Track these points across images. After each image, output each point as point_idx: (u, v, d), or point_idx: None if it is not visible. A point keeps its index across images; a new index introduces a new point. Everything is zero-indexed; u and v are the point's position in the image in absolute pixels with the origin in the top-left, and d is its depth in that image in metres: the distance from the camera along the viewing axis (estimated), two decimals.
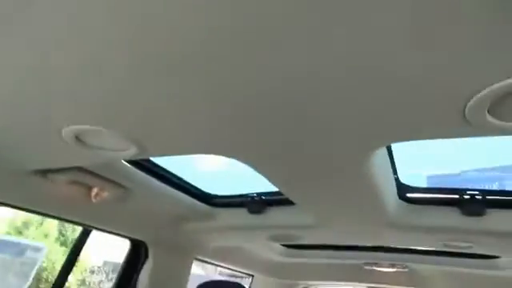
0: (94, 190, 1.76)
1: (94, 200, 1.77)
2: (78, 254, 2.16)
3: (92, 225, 2.03)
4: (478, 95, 0.75)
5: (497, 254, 2.26)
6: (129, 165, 1.68)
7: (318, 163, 1.26)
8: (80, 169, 1.56)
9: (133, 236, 2.27)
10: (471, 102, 0.77)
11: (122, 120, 1.03)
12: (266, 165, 1.32)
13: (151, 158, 1.81)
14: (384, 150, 1.38)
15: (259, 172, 1.36)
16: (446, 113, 0.84)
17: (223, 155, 1.23)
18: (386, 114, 0.89)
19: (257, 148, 1.17)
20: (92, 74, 0.83)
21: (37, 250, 9.02)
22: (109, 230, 2.11)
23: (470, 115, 0.81)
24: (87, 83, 0.87)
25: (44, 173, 1.54)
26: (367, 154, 1.13)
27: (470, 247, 1.91)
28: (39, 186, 1.59)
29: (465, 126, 0.86)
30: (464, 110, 0.81)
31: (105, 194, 1.77)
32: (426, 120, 0.89)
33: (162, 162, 1.88)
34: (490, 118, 0.81)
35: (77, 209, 1.85)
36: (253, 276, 3.47)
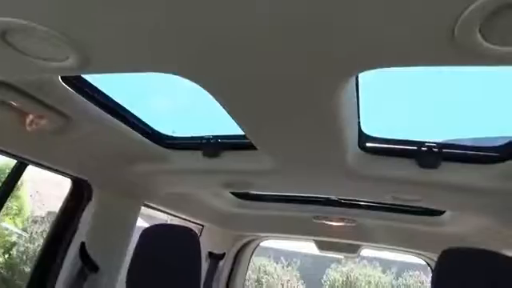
0: (30, 117, 1.56)
1: (28, 128, 1.57)
2: (11, 190, 1.96)
3: (27, 158, 1.82)
4: (467, 11, 0.69)
5: (443, 209, 2.36)
6: (71, 89, 1.47)
7: (283, 97, 1.18)
8: (10, 87, 1.34)
9: (75, 174, 2.08)
10: (462, 18, 0.71)
11: (58, 14, 0.85)
12: (226, 94, 1.21)
13: (99, 87, 1.62)
14: (352, 92, 1.31)
15: (219, 101, 1.24)
16: (433, 33, 0.77)
17: (178, 74, 1.10)
18: (366, 35, 0.81)
19: (219, 74, 1.07)
20: None
21: None
22: (47, 165, 1.90)
23: (461, 36, 0.75)
24: None
25: None
26: (340, 85, 1.05)
27: (419, 200, 1.96)
28: None
29: (455, 49, 0.80)
30: (453, 30, 0.75)
31: (42, 123, 1.57)
32: (412, 41, 0.81)
33: (112, 93, 1.70)
34: (481, 41, 0.76)
35: (9, 138, 1.64)
36: (203, 226, 3.44)
